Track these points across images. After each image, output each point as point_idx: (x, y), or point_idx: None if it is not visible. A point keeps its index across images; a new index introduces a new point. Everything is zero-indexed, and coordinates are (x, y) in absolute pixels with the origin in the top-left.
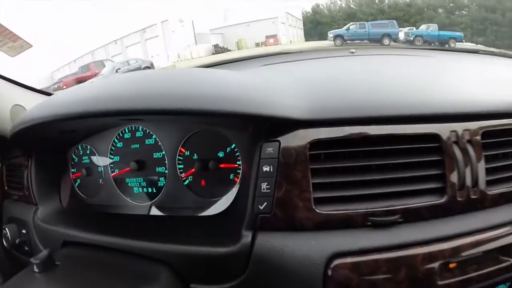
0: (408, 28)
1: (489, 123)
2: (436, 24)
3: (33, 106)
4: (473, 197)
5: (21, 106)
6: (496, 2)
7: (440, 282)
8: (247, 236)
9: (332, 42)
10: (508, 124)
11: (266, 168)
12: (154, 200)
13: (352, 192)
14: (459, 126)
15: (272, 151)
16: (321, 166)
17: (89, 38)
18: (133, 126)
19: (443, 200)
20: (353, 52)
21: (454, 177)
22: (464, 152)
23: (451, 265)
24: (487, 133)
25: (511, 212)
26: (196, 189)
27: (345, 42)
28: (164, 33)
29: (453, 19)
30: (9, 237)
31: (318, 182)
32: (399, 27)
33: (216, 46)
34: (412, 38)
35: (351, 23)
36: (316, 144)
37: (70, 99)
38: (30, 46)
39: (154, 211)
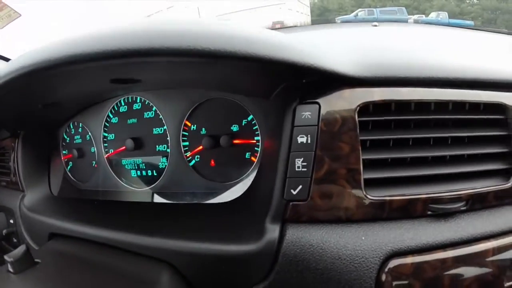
0: (418, 15)
1: None
2: (446, 12)
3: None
4: None
5: None
6: None
7: (507, 283)
8: (273, 230)
9: None
10: None
11: (301, 139)
12: (154, 184)
13: (411, 173)
14: None
15: (309, 116)
16: (370, 137)
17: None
18: (129, 97)
19: (509, 184)
20: (376, 25)
21: None
22: None
23: None
24: None
25: None
26: (204, 171)
27: None
28: None
29: (463, 8)
30: None
31: (369, 158)
32: (409, 14)
33: None
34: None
35: (359, 9)
36: (365, 108)
37: (38, 49)
38: (19, 15)
39: (155, 198)
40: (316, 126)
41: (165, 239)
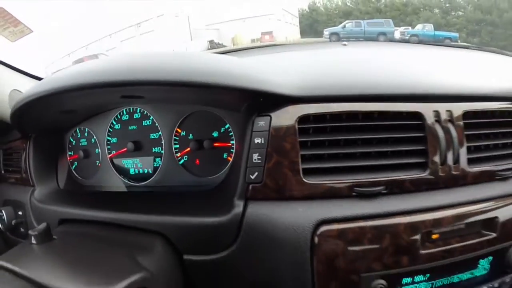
0: (404, 27)
1: (471, 105)
2: (431, 24)
3: (33, 85)
4: (454, 173)
5: (19, 91)
6: (492, 3)
7: (422, 251)
8: (238, 206)
9: (328, 40)
10: (489, 107)
11: (257, 140)
12: (150, 180)
13: (339, 164)
14: (442, 107)
15: (263, 125)
16: (309, 139)
17: (84, 31)
18: (131, 108)
19: (425, 174)
20: (345, 45)
21: (435, 153)
22: (446, 130)
23: (434, 236)
24: (469, 114)
25: (494, 189)
26: (191, 168)
27: (340, 40)
28: (160, 28)
29: (449, 20)
30: (5, 219)
31: (306, 153)
32: (395, 26)
33: (211, 41)
34: (407, 38)
35: (347, 21)
36: (304, 118)
37: (67, 73)
38: (31, 31)
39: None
40: (268, 132)
41: (158, 216)
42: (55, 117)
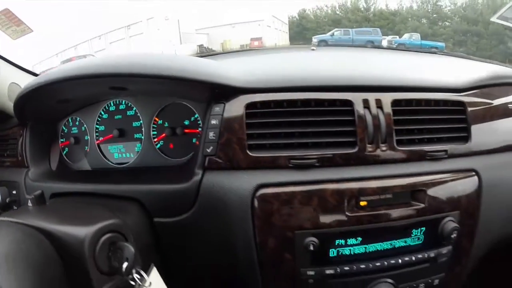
0: (392, 36)
1: (400, 94)
2: (418, 34)
3: (34, 78)
4: (383, 150)
5: (17, 84)
6: (478, 15)
7: (349, 214)
8: (197, 175)
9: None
10: (416, 97)
11: (213, 122)
12: (131, 162)
13: (278, 141)
14: (372, 96)
15: (218, 110)
16: (255, 120)
17: (73, 32)
18: (117, 100)
19: (354, 150)
20: (313, 49)
21: (363, 133)
22: (374, 115)
23: (362, 203)
24: (397, 102)
25: (423, 167)
26: (166, 152)
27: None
28: (149, 31)
29: (436, 30)
30: (0, 198)
31: (252, 132)
32: (383, 35)
33: (201, 46)
34: (394, 46)
35: (335, 29)
36: (252, 105)
37: (64, 67)
38: (31, 31)
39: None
40: (221, 115)
41: (135, 185)
42: (51, 106)
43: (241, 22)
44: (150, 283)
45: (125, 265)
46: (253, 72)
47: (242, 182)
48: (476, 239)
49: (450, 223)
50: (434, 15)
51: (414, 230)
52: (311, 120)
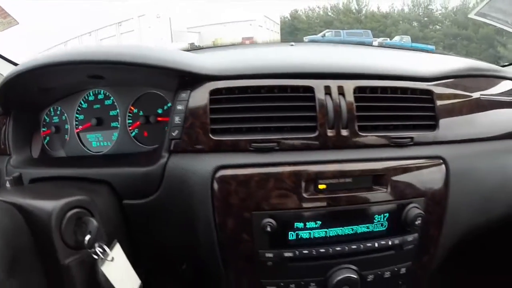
0: (382, 38)
1: (363, 82)
2: (409, 36)
3: (15, 67)
4: (344, 135)
5: (1, 74)
6: (469, 19)
7: (306, 196)
8: (164, 157)
9: None
10: (380, 84)
11: (179, 107)
12: (108, 149)
13: (240, 125)
14: (334, 83)
15: (185, 96)
16: (219, 106)
17: (63, 28)
18: (96, 90)
19: (314, 135)
20: (292, 45)
21: (324, 119)
22: (335, 101)
23: (321, 186)
24: (361, 89)
25: (386, 153)
26: (140, 139)
27: None
28: (140, 28)
29: (426, 33)
30: None
31: (215, 117)
32: (374, 37)
33: (192, 44)
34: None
35: (327, 30)
36: (217, 91)
37: (42, 55)
38: (17, 23)
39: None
40: (187, 101)
41: (107, 168)
42: (33, 95)
43: (233, 21)
44: (113, 258)
45: (87, 237)
46: (220, 61)
47: (203, 164)
48: (445, 228)
49: (414, 209)
50: (425, 19)
51: (376, 216)
52: (273, 105)
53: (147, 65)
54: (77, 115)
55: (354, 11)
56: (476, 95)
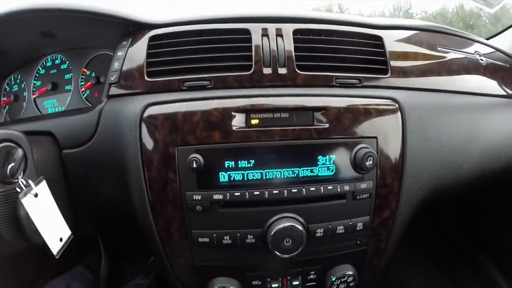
0: None
1: (300, 25)
2: None
3: None
4: (281, 73)
5: None
6: (448, 23)
7: (234, 129)
8: (102, 103)
9: None
10: (318, 27)
11: (119, 53)
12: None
13: (175, 67)
14: (272, 26)
15: (125, 43)
16: (156, 50)
17: None
18: (53, 55)
19: (249, 72)
20: None
21: (259, 57)
22: (272, 41)
23: (253, 121)
24: (300, 31)
25: (327, 91)
26: (91, 100)
27: None
28: None
29: None
30: None
31: (152, 61)
32: None
33: None
34: None
35: None
36: (155, 37)
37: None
38: None
39: None
40: (127, 47)
41: (48, 120)
42: None
43: None
44: (37, 193)
45: (11, 165)
46: (162, 11)
47: (135, 104)
48: (406, 178)
49: (363, 149)
50: None
51: (320, 157)
52: (209, 47)
53: (93, 12)
54: (35, 82)
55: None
56: (432, 47)
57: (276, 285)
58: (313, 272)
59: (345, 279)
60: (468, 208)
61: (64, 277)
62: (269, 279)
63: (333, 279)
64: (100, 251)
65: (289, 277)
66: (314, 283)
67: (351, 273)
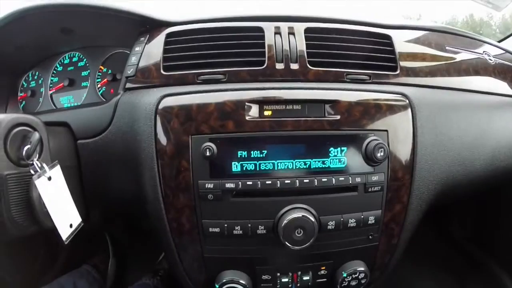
0: None
1: (311, 24)
2: None
3: None
4: (293, 68)
5: None
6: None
7: (248, 119)
8: (119, 95)
9: None
10: (329, 26)
11: (137, 48)
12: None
13: (191, 61)
14: (284, 24)
15: (143, 39)
16: (172, 46)
17: None
18: (71, 53)
19: (262, 67)
20: None
21: (272, 53)
22: (285, 38)
23: (266, 112)
24: (311, 30)
25: (338, 86)
26: (107, 96)
27: None
28: None
29: None
30: None
31: (168, 56)
32: None
33: None
34: None
35: None
36: (171, 34)
37: (12, 9)
38: None
39: None
40: (144, 43)
41: (65, 111)
42: (10, 55)
43: None
44: (50, 177)
45: (27, 147)
46: (178, 10)
47: (152, 96)
48: (418, 172)
49: (374, 141)
50: None
51: (332, 148)
52: (224, 44)
53: (115, 10)
54: (52, 78)
55: None
56: (441, 47)
57: (286, 279)
58: (324, 268)
59: (357, 275)
60: (477, 212)
61: (71, 275)
62: (279, 274)
63: (344, 275)
64: (108, 251)
65: (299, 272)
66: (325, 279)
67: (362, 269)
